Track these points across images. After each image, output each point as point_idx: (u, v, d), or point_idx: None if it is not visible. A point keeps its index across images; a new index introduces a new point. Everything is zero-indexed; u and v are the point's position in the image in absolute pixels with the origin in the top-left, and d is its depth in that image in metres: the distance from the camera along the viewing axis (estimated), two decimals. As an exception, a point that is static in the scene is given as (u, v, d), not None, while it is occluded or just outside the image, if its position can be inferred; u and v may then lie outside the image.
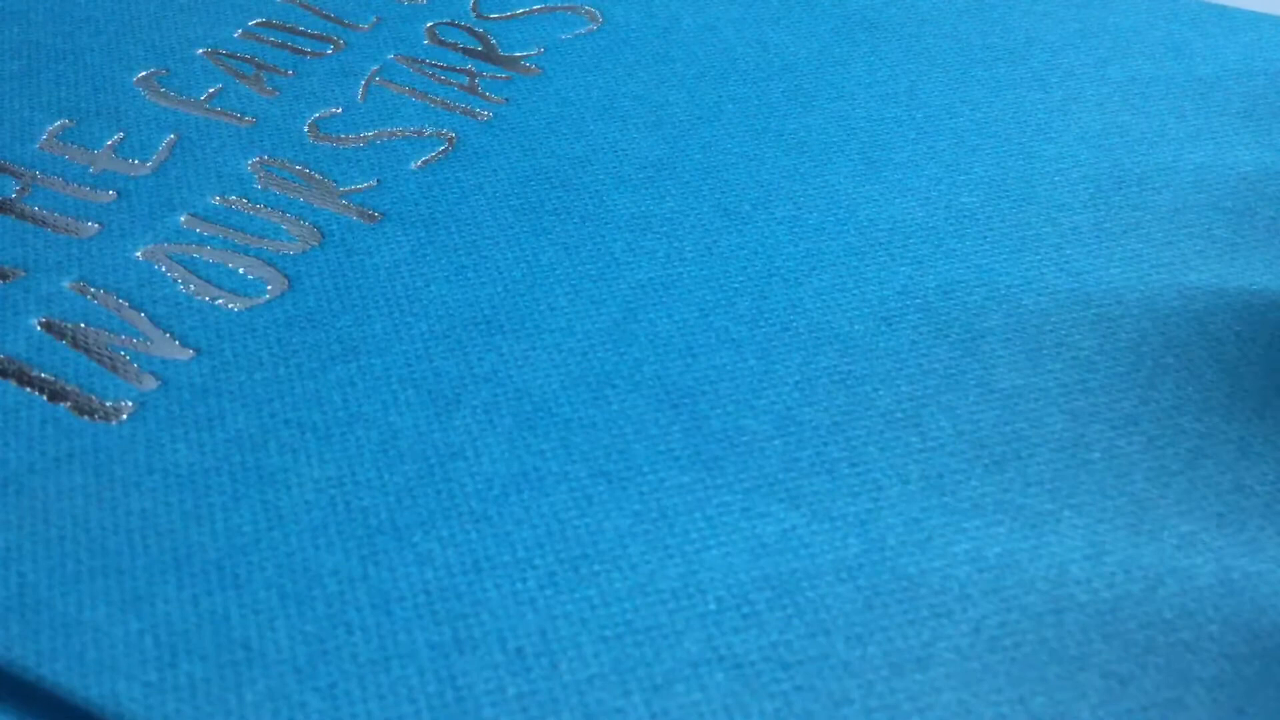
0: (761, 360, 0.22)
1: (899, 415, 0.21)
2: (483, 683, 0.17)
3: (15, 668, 0.17)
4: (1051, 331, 0.22)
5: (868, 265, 0.24)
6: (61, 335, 0.22)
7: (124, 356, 0.22)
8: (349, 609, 0.18)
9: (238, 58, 0.29)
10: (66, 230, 0.24)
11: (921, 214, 0.25)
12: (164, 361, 0.22)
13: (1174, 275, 0.24)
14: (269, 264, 0.24)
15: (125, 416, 0.21)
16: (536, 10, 0.31)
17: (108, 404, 0.21)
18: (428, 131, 0.27)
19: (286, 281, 0.23)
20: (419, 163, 0.26)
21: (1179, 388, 0.21)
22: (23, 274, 0.23)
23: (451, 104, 0.28)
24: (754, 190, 0.25)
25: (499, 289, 0.23)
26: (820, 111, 0.28)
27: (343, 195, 0.25)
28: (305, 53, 0.30)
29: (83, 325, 0.22)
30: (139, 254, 0.24)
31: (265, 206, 0.25)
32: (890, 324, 0.23)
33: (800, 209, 0.25)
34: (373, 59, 0.29)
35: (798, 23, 0.31)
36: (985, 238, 0.24)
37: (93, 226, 0.24)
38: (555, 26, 0.31)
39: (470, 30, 0.30)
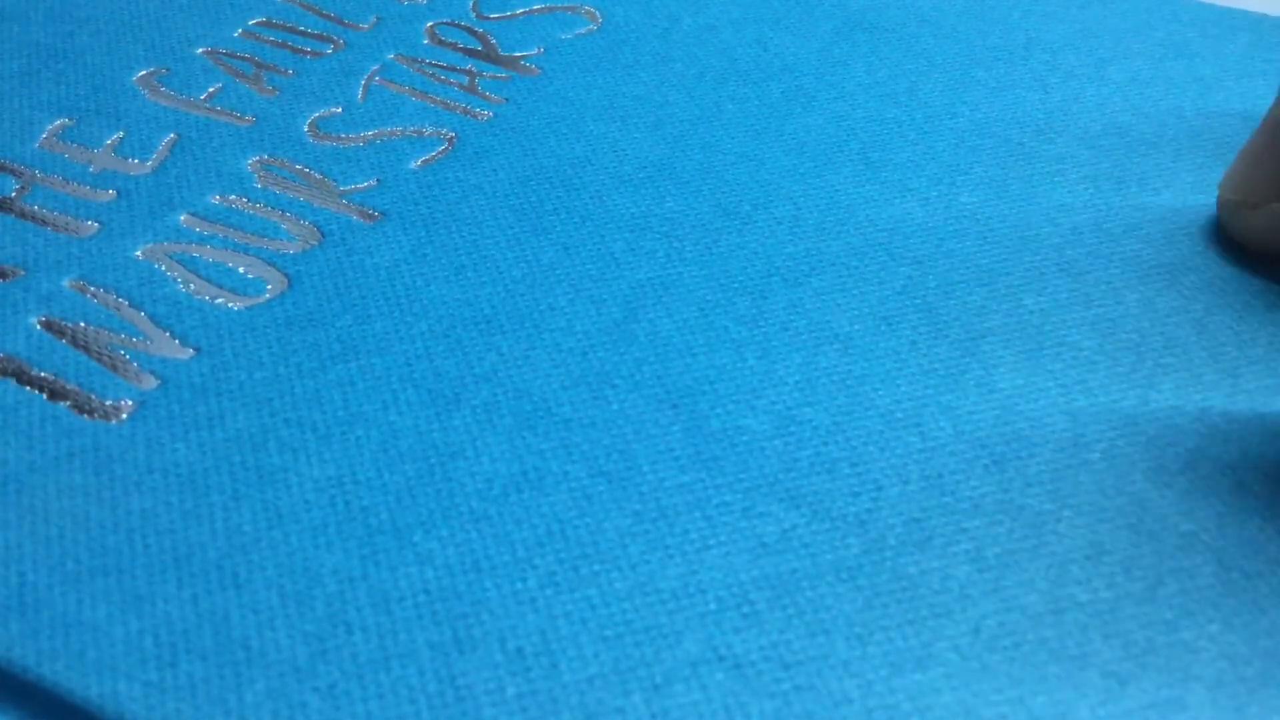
0: (761, 360, 0.22)
1: (899, 415, 0.21)
2: (483, 683, 0.17)
3: (15, 668, 0.17)
4: (1051, 331, 0.22)
5: (868, 265, 0.24)
6: (61, 334, 0.22)
7: (124, 356, 0.22)
8: (349, 609, 0.18)
9: (238, 57, 0.29)
10: (66, 229, 0.24)
11: (921, 214, 0.25)
12: (164, 361, 0.22)
13: (1174, 276, 0.24)
14: (269, 263, 0.24)
15: (125, 416, 0.21)
16: (536, 10, 0.31)
17: (108, 403, 0.21)
18: (428, 131, 0.27)
19: (286, 281, 0.23)
20: (419, 162, 0.26)
21: (1179, 388, 0.21)
22: (22, 273, 0.23)
23: (451, 104, 0.28)
24: (754, 190, 0.25)
25: (499, 289, 0.23)
26: (820, 111, 0.28)
27: (343, 195, 0.25)
28: (305, 52, 0.30)
29: (83, 324, 0.22)
30: (139, 253, 0.24)
31: (265, 206, 0.25)
32: (890, 324, 0.23)
33: (800, 209, 0.25)
34: (373, 59, 0.29)
35: (798, 23, 0.31)
36: (985, 238, 0.24)
37: (92, 226, 0.24)
38: (555, 26, 0.31)
39: (470, 30, 0.30)
